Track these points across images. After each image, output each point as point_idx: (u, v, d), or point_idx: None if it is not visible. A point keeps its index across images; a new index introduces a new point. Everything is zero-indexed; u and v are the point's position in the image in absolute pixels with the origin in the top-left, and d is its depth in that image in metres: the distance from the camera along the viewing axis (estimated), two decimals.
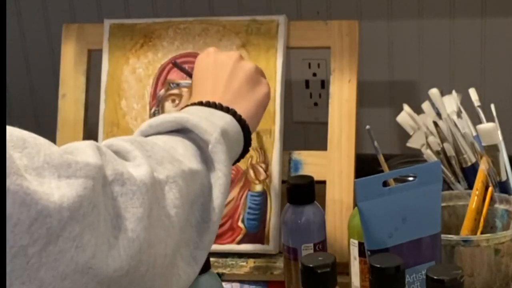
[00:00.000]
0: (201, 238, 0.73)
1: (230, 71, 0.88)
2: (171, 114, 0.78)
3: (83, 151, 0.62)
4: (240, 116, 0.82)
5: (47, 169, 0.57)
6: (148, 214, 0.64)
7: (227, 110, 0.82)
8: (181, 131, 0.77)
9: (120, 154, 0.68)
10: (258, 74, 0.91)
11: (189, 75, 0.97)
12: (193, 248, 0.72)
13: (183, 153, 0.74)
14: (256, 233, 1.02)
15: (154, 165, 0.68)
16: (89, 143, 0.64)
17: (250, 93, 0.88)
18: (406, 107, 1.03)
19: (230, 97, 0.85)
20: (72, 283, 0.57)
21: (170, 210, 0.68)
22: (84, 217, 0.57)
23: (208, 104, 0.82)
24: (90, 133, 1.11)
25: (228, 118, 0.81)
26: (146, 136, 0.77)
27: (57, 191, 0.56)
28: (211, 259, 0.89)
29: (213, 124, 0.77)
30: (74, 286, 0.57)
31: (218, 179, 0.75)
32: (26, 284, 0.54)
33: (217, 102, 0.83)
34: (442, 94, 1.03)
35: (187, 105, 0.84)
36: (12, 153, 0.55)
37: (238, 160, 0.84)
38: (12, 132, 0.56)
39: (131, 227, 0.62)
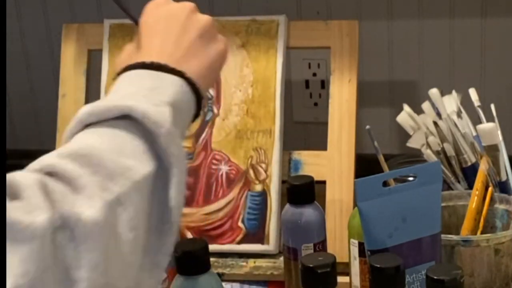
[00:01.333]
0: (162, 241, 0.66)
1: (182, 24, 0.78)
2: (114, 101, 0.68)
3: (28, 195, 0.54)
4: (190, 79, 0.73)
5: None
6: (105, 255, 0.57)
7: (175, 72, 0.72)
8: (124, 117, 0.67)
9: (64, 181, 0.59)
10: (215, 29, 0.81)
11: (135, 20, 0.86)
12: (154, 255, 0.65)
13: (132, 152, 0.64)
14: (256, 233, 1.02)
15: (104, 183, 0.60)
16: (34, 179, 0.56)
17: (203, 50, 0.78)
18: (406, 107, 1.03)
19: (180, 55, 0.75)
20: None
21: (127, 235, 0.61)
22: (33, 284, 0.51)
23: (152, 66, 0.73)
24: None
25: (178, 83, 0.71)
26: (87, 125, 0.67)
27: None
28: (211, 259, 0.89)
29: (161, 109, 0.67)
30: None
31: (174, 176, 0.66)
32: None
33: (163, 63, 0.73)
34: (442, 94, 1.03)
35: (130, 65, 0.74)
36: None
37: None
38: None
39: (86, 277, 0.55)
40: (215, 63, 0.79)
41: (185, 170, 0.67)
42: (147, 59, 0.73)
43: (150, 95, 0.69)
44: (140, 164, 0.64)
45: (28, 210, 0.53)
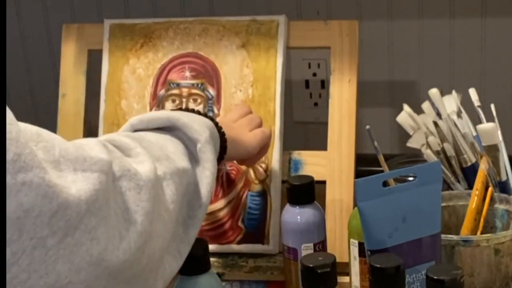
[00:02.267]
0: (187, 233, 0.75)
1: (235, 109, 0.97)
2: (163, 112, 0.81)
3: (92, 148, 0.63)
4: (217, 123, 0.84)
5: (63, 162, 0.59)
6: (153, 208, 0.66)
7: (205, 115, 0.84)
8: (168, 129, 0.79)
9: (121, 149, 0.70)
10: (261, 126, 0.95)
11: None
12: (179, 242, 0.74)
13: (173, 151, 0.76)
14: (256, 233, 1.02)
15: (154, 162, 0.71)
16: (95, 140, 0.66)
17: (240, 128, 0.91)
18: (406, 107, 1.03)
19: (226, 123, 0.88)
20: (87, 275, 0.59)
21: (168, 205, 0.71)
22: (99, 210, 0.59)
23: (187, 110, 0.84)
24: (90, 133, 1.10)
25: (209, 123, 0.82)
26: (135, 130, 0.79)
27: (73, 184, 0.58)
28: (211, 259, 0.89)
29: (202, 126, 0.79)
30: (88, 278, 0.59)
31: (206, 178, 0.77)
32: (43, 278, 0.56)
33: (195, 109, 0.85)
34: (442, 94, 1.03)
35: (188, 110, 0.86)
36: (31, 146, 0.56)
37: None
38: (26, 127, 0.58)
39: (140, 220, 0.64)
40: (243, 141, 0.90)
41: (215, 176, 0.79)
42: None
43: (193, 118, 0.80)
44: (179, 159, 0.75)
45: (92, 152, 0.62)
